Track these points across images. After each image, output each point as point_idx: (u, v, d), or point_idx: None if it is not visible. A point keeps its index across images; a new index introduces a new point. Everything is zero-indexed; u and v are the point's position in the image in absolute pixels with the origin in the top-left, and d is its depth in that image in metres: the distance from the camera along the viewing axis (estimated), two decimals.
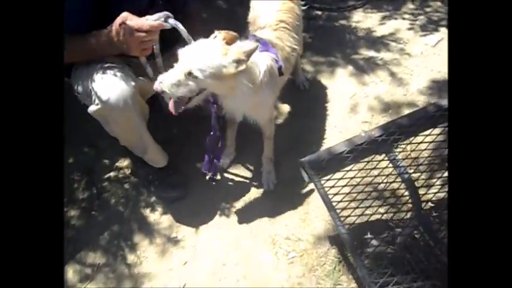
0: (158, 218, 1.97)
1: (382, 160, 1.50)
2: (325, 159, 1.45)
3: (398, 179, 1.50)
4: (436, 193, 1.50)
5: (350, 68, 2.52)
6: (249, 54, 1.44)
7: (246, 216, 1.94)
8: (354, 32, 2.73)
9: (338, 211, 1.39)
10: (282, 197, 1.98)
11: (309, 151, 2.10)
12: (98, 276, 1.80)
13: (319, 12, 2.85)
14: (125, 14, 1.47)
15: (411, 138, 1.56)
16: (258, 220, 1.93)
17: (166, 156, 1.97)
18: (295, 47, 1.90)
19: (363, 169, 1.47)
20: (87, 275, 1.81)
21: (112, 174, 2.13)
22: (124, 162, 2.16)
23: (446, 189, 1.54)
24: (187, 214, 1.97)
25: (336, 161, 1.47)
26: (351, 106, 2.34)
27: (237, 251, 1.84)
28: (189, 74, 1.43)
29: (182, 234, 1.92)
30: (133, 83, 1.60)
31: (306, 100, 2.39)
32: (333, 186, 1.43)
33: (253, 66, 1.54)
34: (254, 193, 2.02)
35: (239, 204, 1.99)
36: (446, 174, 1.55)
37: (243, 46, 1.47)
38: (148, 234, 1.92)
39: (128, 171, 2.13)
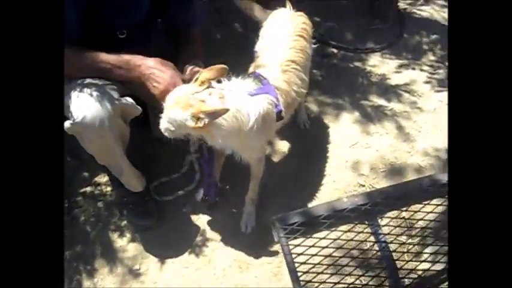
0: (125, 244, 1.87)
1: (362, 232, 1.37)
2: (299, 222, 1.32)
3: (376, 255, 1.36)
4: (415, 279, 1.35)
5: (356, 114, 2.39)
6: (209, 114, 1.39)
7: (216, 258, 1.82)
8: (367, 76, 2.60)
9: (302, 283, 1.26)
10: (258, 244, 1.85)
11: (296, 197, 2.00)
12: None
13: (334, 51, 2.73)
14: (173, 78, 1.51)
15: (397, 212, 1.41)
16: (228, 265, 1.80)
17: (143, 182, 1.87)
18: (302, 90, 1.81)
19: (338, 239, 1.33)
20: None
21: (88, 189, 2.04)
22: (103, 178, 2.07)
23: (428, 273, 1.40)
24: (156, 245, 1.86)
25: (311, 225, 1.34)
26: (350, 156, 2.21)
27: None
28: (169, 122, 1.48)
29: (146, 267, 1.81)
30: (113, 103, 1.51)
31: (304, 140, 2.27)
32: (301, 254, 1.30)
33: (238, 115, 1.47)
34: (230, 234, 1.90)
35: (212, 244, 1.87)
36: (429, 256, 1.40)
37: (207, 104, 1.41)
38: (110, 262, 1.81)
39: (105, 189, 2.04)
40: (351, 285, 1.34)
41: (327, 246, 1.33)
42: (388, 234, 1.38)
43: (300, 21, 1.89)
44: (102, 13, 1.56)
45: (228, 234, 1.90)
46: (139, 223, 1.89)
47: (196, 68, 1.59)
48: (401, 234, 1.43)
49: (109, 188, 2.03)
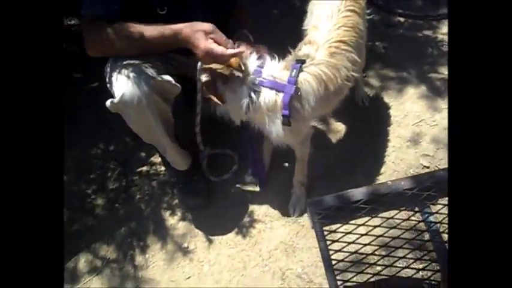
0: (175, 223, 1.91)
1: (408, 219, 1.23)
2: (335, 206, 1.22)
3: (425, 246, 1.21)
4: None
5: (423, 88, 2.17)
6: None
7: (262, 240, 1.79)
8: (438, 46, 2.33)
9: (337, 272, 1.17)
10: (307, 228, 1.78)
11: (351, 181, 1.87)
12: (105, 271, 1.80)
13: (401, 19, 2.49)
14: (210, 27, 1.46)
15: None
16: (274, 248, 1.76)
17: (187, 161, 1.88)
18: (354, 74, 1.62)
19: (379, 226, 1.21)
20: (96, 267, 1.82)
21: (144, 168, 2.12)
22: (159, 158, 2.12)
23: None
24: (205, 225, 1.88)
25: (349, 210, 1.23)
26: (414, 134, 2.01)
27: (243, 277, 1.70)
28: None
29: (194, 245, 1.83)
30: (150, 81, 1.52)
31: (362, 118, 2.11)
32: (336, 241, 1.20)
33: (238, 92, 1.49)
34: (278, 217, 1.85)
35: (259, 226, 1.84)
36: None
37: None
38: (161, 239, 1.87)
39: (160, 168, 2.10)
40: (392, 277, 1.22)
41: (366, 234, 1.21)
42: (440, 222, 1.21)
43: None
44: None
45: (275, 217, 1.85)
46: (189, 202, 1.91)
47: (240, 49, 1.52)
48: None
49: (163, 168, 2.08)
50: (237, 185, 1.97)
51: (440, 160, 1.91)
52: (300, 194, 1.84)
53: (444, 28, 2.42)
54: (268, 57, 1.53)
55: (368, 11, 1.85)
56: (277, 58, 1.55)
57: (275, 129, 1.52)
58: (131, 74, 1.50)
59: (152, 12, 1.58)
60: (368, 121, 2.10)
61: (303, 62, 1.50)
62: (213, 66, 1.50)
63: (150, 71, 1.55)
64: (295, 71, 1.46)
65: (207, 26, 1.47)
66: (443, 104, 2.08)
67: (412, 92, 2.16)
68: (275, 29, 2.46)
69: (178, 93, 1.66)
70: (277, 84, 1.46)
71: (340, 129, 2.10)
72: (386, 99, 2.17)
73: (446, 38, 2.37)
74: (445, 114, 2.04)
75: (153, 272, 1.78)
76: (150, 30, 1.49)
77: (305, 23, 1.78)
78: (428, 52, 2.32)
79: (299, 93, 1.46)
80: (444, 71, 2.21)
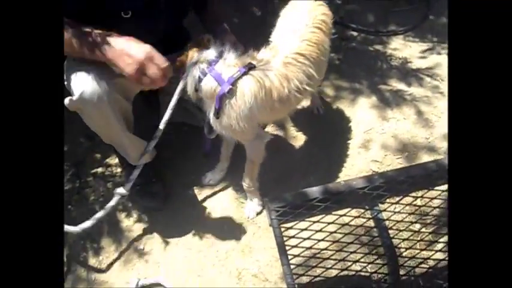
0: (131, 224, 1.89)
1: (359, 217, 1.30)
2: (292, 204, 1.28)
3: (374, 241, 1.29)
4: (415, 266, 1.28)
5: (373, 98, 2.30)
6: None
7: (219, 241, 1.81)
8: (387, 60, 2.49)
9: (292, 266, 1.22)
10: (263, 229, 1.82)
11: (305, 183, 1.95)
12: None
13: (354, 33, 2.63)
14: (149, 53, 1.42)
15: (398, 198, 1.34)
16: (230, 249, 1.78)
17: (152, 155, 1.85)
18: (307, 88, 1.64)
19: (332, 223, 1.28)
20: None
21: (99, 170, 2.08)
22: (115, 160, 2.10)
23: (429, 264, 1.32)
24: (161, 226, 1.87)
25: (305, 208, 1.29)
26: (364, 141, 2.12)
27: (199, 278, 1.71)
28: None
29: (150, 247, 1.82)
30: (111, 79, 1.51)
31: (317, 125, 2.20)
32: (293, 237, 1.26)
33: (188, 68, 1.56)
34: (235, 218, 1.88)
35: (215, 227, 1.86)
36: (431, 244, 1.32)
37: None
38: (116, 241, 1.84)
39: (116, 170, 2.07)
40: (344, 271, 1.29)
41: (320, 230, 1.27)
42: (388, 219, 1.30)
43: (319, 11, 1.74)
44: None
45: (231, 218, 1.88)
46: (146, 204, 1.90)
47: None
48: (402, 221, 1.35)
49: (119, 170, 2.06)
50: (194, 186, 1.99)
51: (388, 166, 2.03)
52: (253, 196, 1.88)
53: (393, 43, 2.59)
54: (228, 50, 1.55)
55: (333, 31, 1.93)
56: (235, 53, 1.57)
57: (210, 116, 1.60)
58: (92, 69, 1.48)
59: (116, 16, 1.58)
60: (322, 128, 2.19)
61: (252, 66, 1.54)
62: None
63: (111, 68, 1.54)
64: (238, 72, 1.51)
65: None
66: (392, 114, 2.22)
67: (364, 102, 2.28)
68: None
69: (138, 91, 1.66)
70: (219, 78, 1.51)
71: (296, 136, 2.18)
72: (339, 108, 2.29)
73: (394, 52, 2.54)
74: (392, 123, 2.18)
75: (107, 274, 1.75)
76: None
77: (271, 36, 1.79)
78: (378, 65, 2.47)
79: (232, 94, 1.51)
80: (393, 83, 2.36)
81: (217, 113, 1.55)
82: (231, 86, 1.49)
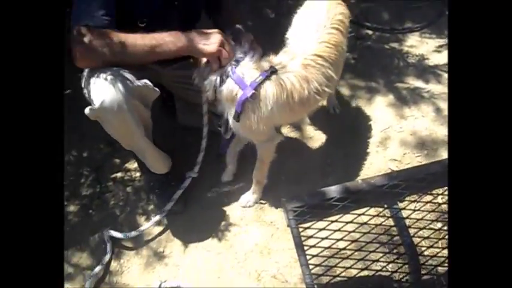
0: (151, 228, 1.90)
1: (378, 215, 1.29)
2: (310, 204, 1.27)
3: (394, 240, 1.27)
4: (436, 265, 1.26)
5: (390, 96, 2.27)
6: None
7: (238, 243, 1.81)
8: (404, 58, 2.46)
9: (311, 267, 1.21)
10: (281, 231, 1.82)
11: (323, 184, 1.93)
12: (77, 278, 1.78)
13: (369, 32, 2.61)
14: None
15: (418, 195, 1.32)
16: (249, 250, 1.78)
17: (167, 164, 1.89)
18: (326, 90, 1.65)
19: (351, 222, 1.27)
20: (69, 274, 1.79)
21: (119, 174, 2.11)
22: (133, 164, 2.12)
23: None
24: (180, 230, 1.89)
25: (323, 208, 1.29)
26: (382, 140, 2.10)
27: (219, 280, 1.72)
28: None
29: (169, 250, 1.83)
30: (129, 86, 1.54)
31: (333, 125, 2.19)
32: (311, 237, 1.25)
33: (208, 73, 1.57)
34: (254, 220, 1.88)
35: (234, 229, 1.86)
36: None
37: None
38: (136, 244, 1.86)
39: (135, 174, 2.10)
40: (364, 271, 1.27)
41: (339, 230, 1.26)
42: (408, 218, 1.28)
43: (337, 11, 1.73)
44: (123, 3, 1.57)
45: (250, 220, 1.88)
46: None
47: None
48: (422, 219, 1.33)
49: (138, 174, 2.08)
50: (213, 189, 2.00)
51: (407, 164, 2.00)
52: (256, 190, 1.90)
53: (409, 41, 2.56)
54: (251, 53, 1.56)
55: (349, 30, 1.92)
56: (255, 56, 1.58)
57: (230, 119, 1.60)
58: (110, 78, 1.51)
59: (132, 25, 1.61)
60: (339, 128, 2.18)
61: (274, 70, 1.55)
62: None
63: (129, 76, 1.57)
64: (261, 77, 1.52)
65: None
66: (409, 112, 2.19)
67: (381, 101, 2.26)
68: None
69: (156, 98, 1.68)
70: (241, 82, 1.51)
71: (312, 136, 2.17)
72: (356, 107, 2.27)
73: (411, 50, 2.50)
74: (410, 120, 2.15)
75: (128, 277, 1.77)
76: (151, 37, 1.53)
77: (288, 33, 1.79)
78: (395, 63, 2.44)
79: (255, 98, 1.51)
80: (410, 81, 2.34)
81: (238, 117, 1.55)
82: (254, 91, 1.50)
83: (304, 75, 1.58)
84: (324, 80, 1.62)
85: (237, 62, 1.54)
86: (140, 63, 1.60)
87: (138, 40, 1.52)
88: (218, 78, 1.55)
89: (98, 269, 1.75)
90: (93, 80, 1.55)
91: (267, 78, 1.53)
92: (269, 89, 1.53)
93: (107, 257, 1.79)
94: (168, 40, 1.53)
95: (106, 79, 1.51)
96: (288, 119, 1.78)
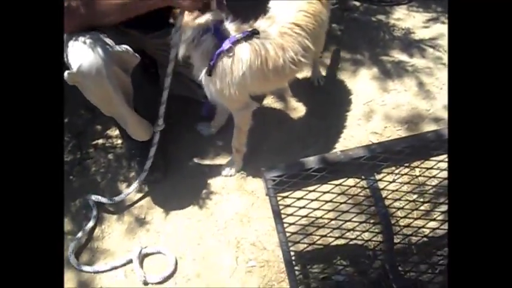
0: (132, 195, 1.91)
1: (355, 186, 1.31)
2: (289, 174, 1.29)
3: (370, 210, 1.31)
4: (410, 235, 1.30)
5: (375, 69, 2.28)
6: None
7: (218, 211, 1.83)
8: (390, 31, 2.45)
9: (288, 234, 1.24)
10: (262, 200, 1.84)
11: (304, 155, 1.95)
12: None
13: (357, 3, 2.58)
14: None
15: (395, 167, 1.35)
16: (229, 218, 1.81)
17: (149, 131, 1.88)
18: (302, 59, 1.64)
19: (328, 192, 1.29)
20: None
21: (100, 141, 2.10)
22: (115, 131, 2.11)
23: (424, 233, 1.34)
24: (162, 197, 1.90)
25: (301, 177, 1.30)
26: (364, 113, 2.12)
27: (199, 247, 1.74)
28: None
29: (151, 216, 1.85)
30: (108, 51, 1.50)
31: (317, 97, 2.20)
32: (289, 205, 1.27)
33: (190, 27, 1.53)
34: (235, 189, 1.90)
35: (216, 198, 1.88)
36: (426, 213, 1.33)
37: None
38: (118, 210, 1.87)
39: (116, 141, 2.09)
40: (339, 239, 1.31)
41: (316, 199, 1.29)
42: (383, 189, 1.31)
43: None
44: None
45: (231, 189, 1.90)
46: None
47: None
48: (398, 190, 1.36)
49: (119, 141, 2.07)
50: (194, 158, 2.00)
51: (388, 137, 2.02)
52: (236, 159, 1.91)
53: (396, 14, 2.55)
54: (231, 18, 1.58)
55: (334, 1, 1.89)
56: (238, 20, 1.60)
57: (202, 75, 1.60)
58: (88, 42, 1.47)
59: None
60: (322, 100, 2.18)
61: (255, 33, 1.54)
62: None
63: (108, 40, 1.53)
64: (241, 34, 1.52)
65: None
66: (393, 85, 2.21)
67: (365, 73, 2.27)
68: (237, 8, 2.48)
69: (136, 64, 1.65)
70: (221, 36, 1.52)
71: (296, 107, 2.17)
72: (340, 79, 2.27)
73: (398, 23, 2.50)
74: (393, 94, 2.17)
75: (109, 242, 1.79)
76: None
77: (270, 1, 1.77)
78: (380, 36, 2.43)
79: (230, 53, 1.51)
80: (395, 54, 2.34)
81: (210, 71, 1.54)
82: (231, 45, 1.50)
83: (280, 43, 1.58)
84: (300, 50, 1.62)
85: (221, 21, 1.54)
86: (118, 21, 1.56)
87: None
88: (201, 30, 1.53)
89: (79, 234, 1.76)
90: (71, 43, 1.51)
91: (247, 37, 1.53)
92: (244, 51, 1.52)
93: (91, 223, 1.79)
94: None
95: (85, 43, 1.48)
96: (262, 87, 1.76)
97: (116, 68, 1.55)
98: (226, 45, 1.50)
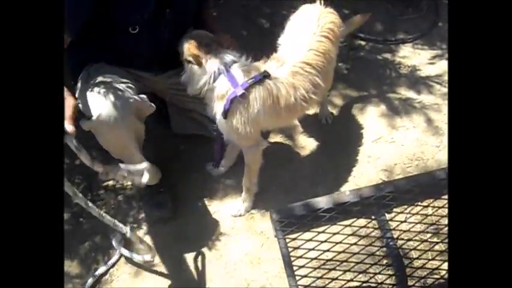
0: (141, 236, 1.89)
1: (365, 227, 1.29)
2: (297, 215, 1.28)
3: (381, 251, 1.28)
4: (425, 276, 1.26)
5: (382, 107, 2.29)
6: (193, 55, 1.56)
7: (228, 252, 1.81)
8: (396, 68, 2.48)
9: (298, 278, 1.21)
10: (272, 240, 1.80)
11: (314, 193, 1.94)
12: (66, 286, 1.77)
13: (362, 42, 2.63)
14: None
15: (406, 206, 1.32)
16: (239, 260, 1.78)
17: (157, 175, 1.89)
18: (313, 97, 1.68)
19: (338, 233, 1.27)
20: None
21: (111, 182, 2.11)
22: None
23: (439, 274, 1.30)
24: (170, 238, 1.88)
25: (311, 218, 1.29)
26: (373, 150, 2.11)
27: None
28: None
29: (158, 259, 1.82)
30: (127, 102, 1.55)
31: (325, 134, 2.20)
32: (298, 248, 1.25)
33: (203, 71, 1.59)
34: (244, 230, 1.88)
35: (225, 238, 1.86)
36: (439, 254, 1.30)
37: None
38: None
39: (126, 182, 2.10)
40: (351, 282, 1.27)
41: (326, 240, 1.26)
42: (395, 229, 1.29)
43: (328, 20, 1.76)
44: (113, 11, 1.59)
45: (241, 229, 1.88)
46: (153, 214, 1.92)
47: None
48: (410, 230, 1.33)
49: (130, 182, 2.08)
50: (204, 198, 2.00)
51: (398, 174, 2.00)
52: (246, 198, 1.90)
53: (401, 52, 2.58)
54: (243, 57, 1.64)
55: (341, 40, 1.94)
56: (249, 59, 1.66)
57: (217, 117, 1.63)
58: (109, 92, 1.52)
59: (124, 31, 1.62)
60: (331, 138, 2.19)
61: (267, 75, 1.59)
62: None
63: (128, 92, 1.58)
64: (253, 79, 1.56)
65: None
66: (401, 122, 2.21)
67: (373, 111, 2.28)
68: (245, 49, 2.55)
69: (151, 112, 1.69)
70: (234, 81, 1.56)
71: (304, 145, 2.18)
72: (348, 117, 2.28)
73: (403, 60, 2.53)
74: (402, 131, 2.16)
75: (117, 286, 1.76)
76: None
77: (280, 39, 1.83)
78: (387, 74, 2.46)
79: (244, 98, 1.56)
80: (402, 91, 2.35)
81: (226, 114, 1.58)
82: (244, 91, 1.53)
83: (291, 82, 1.62)
84: (311, 88, 1.66)
85: (233, 62, 1.59)
86: None
87: None
88: (213, 74, 1.58)
89: (90, 281, 1.75)
90: (89, 93, 1.56)
91: (259, 81, 1.57)
92: (257, 92, 1.57)
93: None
94: None
95: (103, 92, 1.52)
96: (274, 123, 1.80)
97: (132, 117, 1.59)
98: (239, 91, 1.54)
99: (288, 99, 1.61)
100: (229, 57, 1.61)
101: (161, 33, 1.70)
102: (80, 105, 1.64)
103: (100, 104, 1.53)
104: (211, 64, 1.59)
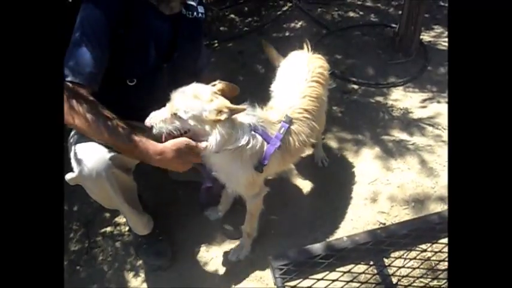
0: (139, 284, 1.88)
1: (363, 273, 1.29)
2: (295, 262, 1.28)
3: None
4: None
5: (377, 149, 2.33)
6: (232, 110, 1.43)
7: None
8: (389, 111, 2.54)
9: None
10: (271, 286, 1.80)
11: (312, 237, 1.94)
12: None
13: (355, 87, 2.72)
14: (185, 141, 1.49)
15: (404, 251, 1.33)
16: None
17: (149, 225, 1.88)
18: (311, 140, 1.75)
19: (336, 280, 1.27)
20: None
21: (108, 229, 2.11)
22: (123, 219, 2.13)
23: None
24: (169, 286, 1.86)
25: (308, 265, 1.29)
26: (370, 192, 2.13)
27: None
28: (175, 114, 1.46)
29: None
30: (110, 155, 1.53)
31: (321, 177, 2.23)
32: None
33: (237, 129, 1.49)
34: (243, 276, 1.86)
35: (224, 285, 1.84)
36: None
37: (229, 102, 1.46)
38: None
39: (124, 229, 2.10)
40: None
41: None
42: (393, 275, 1.29)
43: (317, 64, 1.83)
44: (112, 63, 1.62)
45: (240, 276, 1.86)
46: (152, 263, 1.90)
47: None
48: (408, 276, 1.33)
49: (127, 228, 2.08)
50: (202, 245, 1.99)
51: (395, 216, 2.02)
52: (245, 244, 1.90)
53: (393, 95, 2.66)
54: (256, 108, 1.61)
55: (330, 82, 2.01)
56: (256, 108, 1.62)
57: (242, 173, 1.58)
58: (91, 146, 1.52)
59: (122, 83, 1.66)
60: (327, 181, 2.21)
61: (291, 119, 1.64)
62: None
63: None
64: (283, 129, 1.60)
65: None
66: (396, 164, 2.24)
67: (367, 153, 2.32)
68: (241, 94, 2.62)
69: (137, 163, 1.69)
70: (267, 135, 1.56)
71: (301, 189, 2.20)
72: (343, 160, 2.31)
73: (395, 103, 2.60)
74: (397, 173, 2.19)
75: None
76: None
77: (272, 85, 1.89)
78: (380, 116, 2.52)
79: (280, 149, 1.59)
80: (395, 134, 2.40)
81: (262, 168, 1.58)
82: (280, 143, 1.58)
83: (296, 131, 1.67)
84: (310, 132, 1.72)
85: (253, 116, 1.55)
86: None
87: (112, 131, 1.47)
88: (246, 136, 1.50)
89: None
90: (73, 147, 1.56)
91: (288, 130, 1.62)
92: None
93: None
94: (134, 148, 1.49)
95: (88, 147, 1.53)
96: (278, 169, 1.82)
97: (115, 170, 1.56)
98: (276, 143, 1.57)
99: (294, 145, 1.66)
100: (249, 118, 1.55)
101: (158, 86, 1.74)
102: (70, 156, 1.63)
103: (83, 158, 1.52)
104: (243, 119, 1.52)
